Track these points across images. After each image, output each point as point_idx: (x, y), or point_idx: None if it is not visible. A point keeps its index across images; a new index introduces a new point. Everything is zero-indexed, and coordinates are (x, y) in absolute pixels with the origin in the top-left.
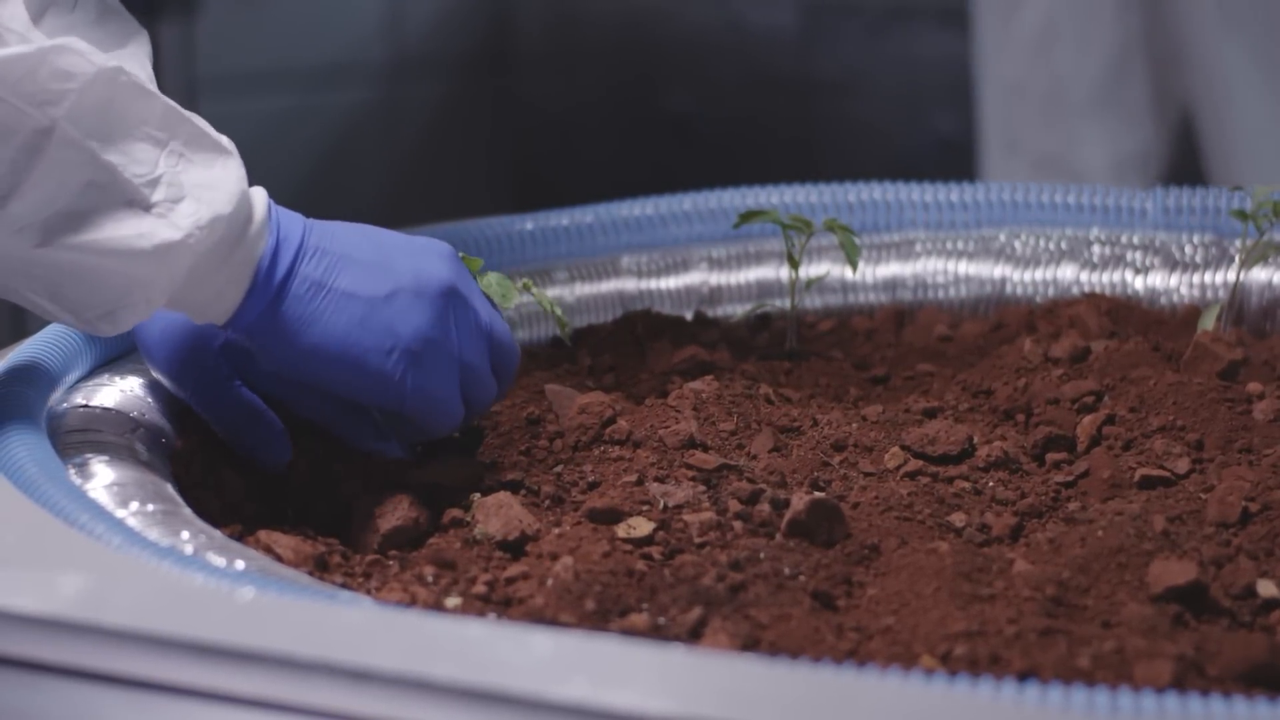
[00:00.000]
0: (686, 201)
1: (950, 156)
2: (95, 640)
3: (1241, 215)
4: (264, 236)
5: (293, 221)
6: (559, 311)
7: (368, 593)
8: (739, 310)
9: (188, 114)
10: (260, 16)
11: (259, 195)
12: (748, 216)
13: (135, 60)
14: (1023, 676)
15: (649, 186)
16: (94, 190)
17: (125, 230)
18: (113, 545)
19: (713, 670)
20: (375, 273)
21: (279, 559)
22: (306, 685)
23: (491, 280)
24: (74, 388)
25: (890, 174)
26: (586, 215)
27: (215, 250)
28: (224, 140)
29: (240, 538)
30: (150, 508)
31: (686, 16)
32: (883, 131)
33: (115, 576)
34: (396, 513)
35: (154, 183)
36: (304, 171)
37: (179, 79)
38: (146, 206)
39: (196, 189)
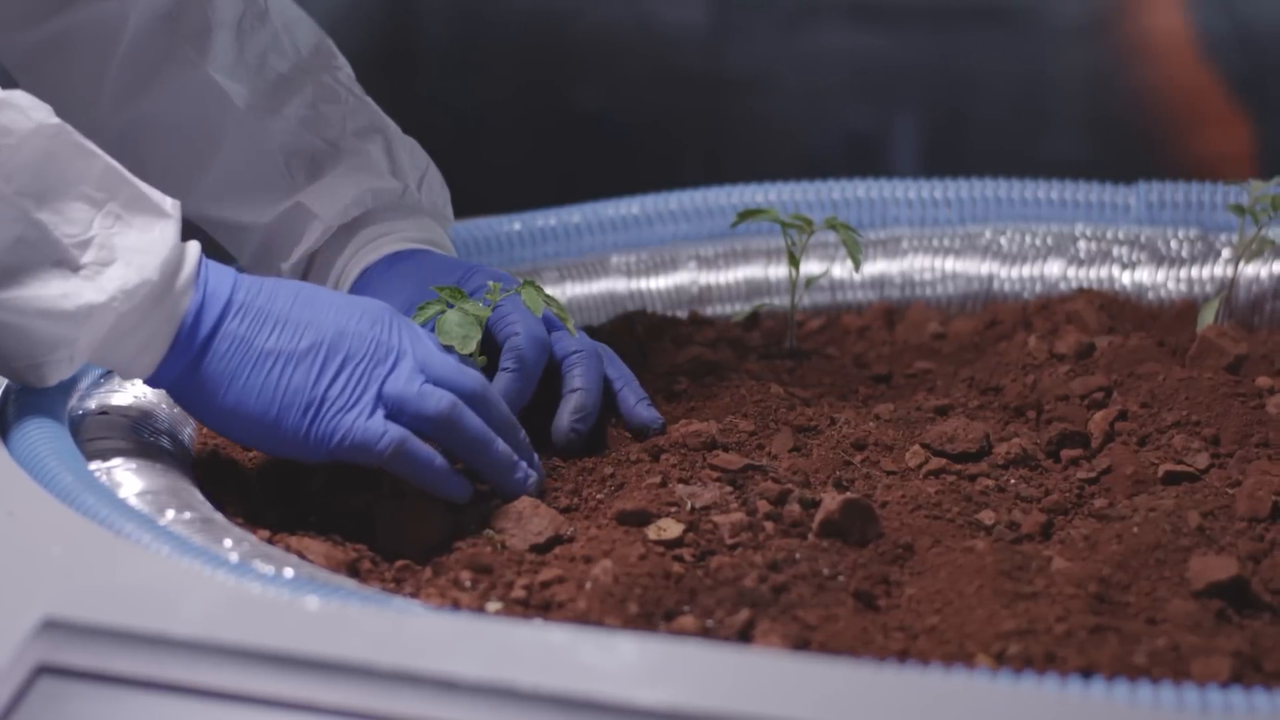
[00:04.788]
0: (673, 200)
1: (861, 154)
2: (166, 652)
3: (1239, 209)
4: (189, 293)
5: (222, 277)
6: (561, 310)
7: (408, 598)
8: (728, 309)
9: (126, 173)
10: None
11: (191, 251)
12: (747, 215)
13: None
14: (1081, 674)
15: (557, 187)
16: (23, 247)
17: (50, 290)
18: (162, 554)
19: (804, 674)
20: (299, 330)
21: (312, 564)
22: (388, 695)
23: (450, 323)
24: (88, 393)
25: (801, 173)
26: (573, 215)
27: (138, 308)
28: (166, 203)
29: (270, 543)
30: (187, 515)
31: (595, 14)
32: (793, 129)
33: (175, 586)
34: (425, 518)
35: (85, 244)
36: None
37: None
38: (74, 267)
39: (128, 252)
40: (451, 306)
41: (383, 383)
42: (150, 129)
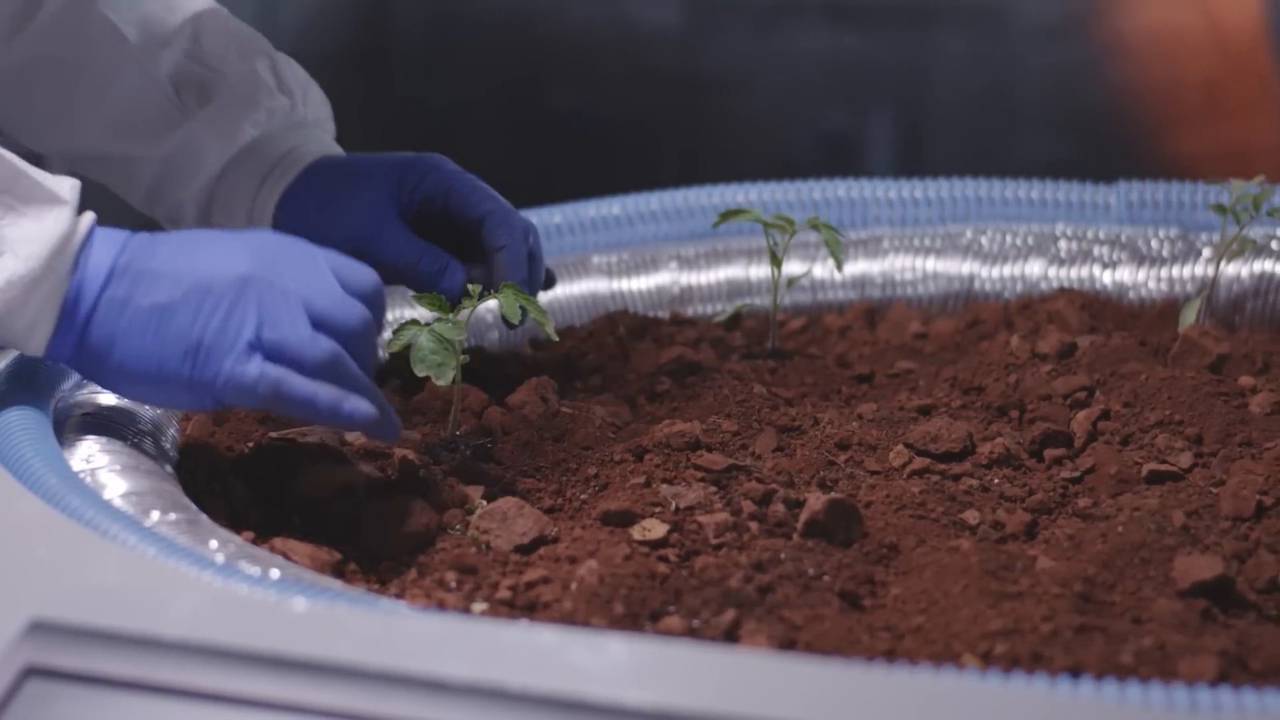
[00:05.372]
0: (654, 200)
1: (839, 154)
2: (153, 653)
3: (1220, 209)
4: (71, 271)
5: (108, 247)
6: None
7: (394, 599)
8: (710, 309)
9: (23, 167)
10: None
11: (81, 227)
12: (728, 215)
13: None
14: (1067, 674)
15: (534, 186)
16: None
17: None
18: (148, 556)
19: (791, 674)
20: (177, 280)
21: (297, 566)
22: (376, 696)
23: (425, 350)
24: (71, 394)
25: (777, 172)
26: (554, 215)
27: (23, 293)
28: (63, 189)
29: (255, 545)
30: (172, 516)
31: (572, 13)
32: (770, 129)
33: (162, 587)
34: (412, 519)
35: None
36: None
37: None
38: None
39: (17, 243)
40: (428, 323)
41: (260, 324)
42: (41, 69)
